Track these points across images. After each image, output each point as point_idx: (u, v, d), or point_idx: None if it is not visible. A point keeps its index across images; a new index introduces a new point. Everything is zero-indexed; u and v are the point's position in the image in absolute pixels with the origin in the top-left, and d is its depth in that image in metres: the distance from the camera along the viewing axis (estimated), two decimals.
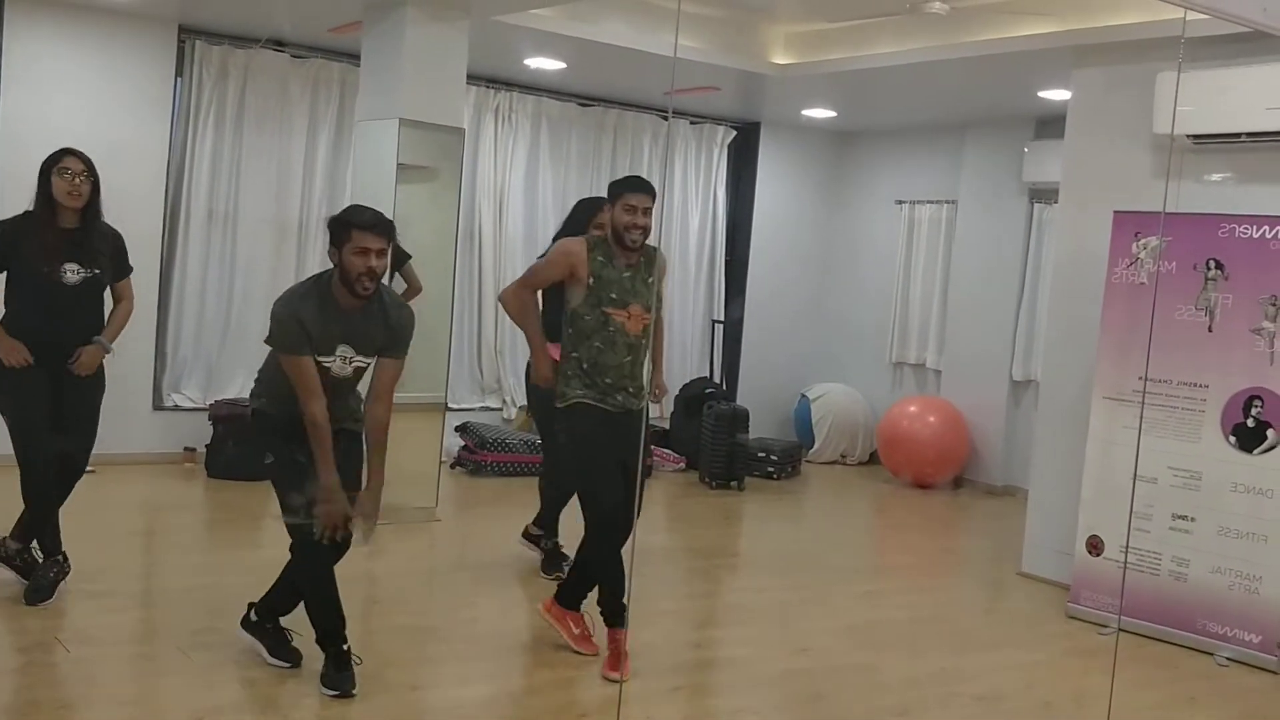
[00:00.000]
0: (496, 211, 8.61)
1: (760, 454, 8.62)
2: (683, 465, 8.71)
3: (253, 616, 4.20)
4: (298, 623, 4.12)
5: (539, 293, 4.79)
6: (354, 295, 3.92)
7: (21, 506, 4.65)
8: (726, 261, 9.83)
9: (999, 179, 8.69)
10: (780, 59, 7.73)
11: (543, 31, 6.85)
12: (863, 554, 7.18)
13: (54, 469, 4.58)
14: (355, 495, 4.00)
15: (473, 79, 7.60)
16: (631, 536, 4.19)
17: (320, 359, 3.93)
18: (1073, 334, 6.03)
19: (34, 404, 4.52)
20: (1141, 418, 5.27)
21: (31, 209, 4.52)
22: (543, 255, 5.36)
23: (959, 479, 8.88)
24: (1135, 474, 5.15)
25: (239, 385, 7.51)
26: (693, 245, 9.56)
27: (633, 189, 4.40)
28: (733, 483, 8.23)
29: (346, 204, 4.75)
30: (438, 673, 4.35)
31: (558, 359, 4.54)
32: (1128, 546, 5.38)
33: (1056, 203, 6.67)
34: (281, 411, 3.99)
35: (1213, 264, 5.23)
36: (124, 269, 4.77)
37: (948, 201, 9.18)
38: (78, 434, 4.65)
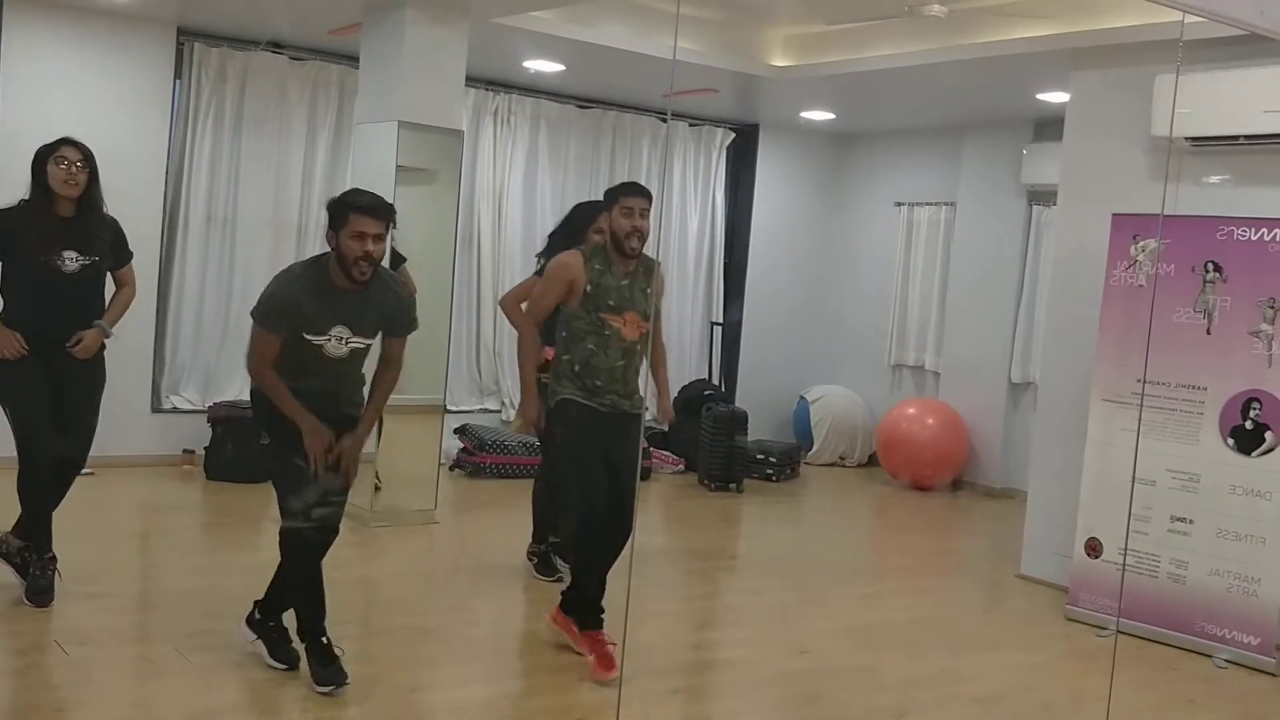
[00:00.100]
0: (495, 214, 8.61)
1: (759, 456, 8.62)
2: (681, 467, 8.71)
3: (257, 614, 4.19)
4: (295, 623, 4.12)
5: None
6: (350, 280, 3.87)
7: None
8: (725, 263, 9.82)
9: (998, 181, 8.69)
10: (779, 61, 7.74)
11: (542, 34, 6.85)
12: (861, 556, 7.18)
13: (54, 469, 4.55)
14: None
15: (472, 81, 7.60)
16: (631, 537, 4.18)
17: (315, 338, 3.89)
18: (1071, 336, 6.03)
19: (35, 398, 4.49)
20: (1140, 420, 5.28)
21: (28, 198, 4.50)
22: (540, 255, 5.35)
23: (958, 481, 8.88)
24: (1134, 476, 5.14)
25: (238, 387, 7.51)
26: (691, 247, 9.56)
27: (629, 193, 4.41)
28: (731, 484, 8.23)
29: None
30: (436, 674, 4.35)
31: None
32: (1126, 548, 5.38)
33: (1055, 205, 6.67)
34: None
35: (1211, 266, 5.23)
36: (125, 255, 4.74)
37: (946, 203, 9.18)
38: (77, 428, 4.62)
